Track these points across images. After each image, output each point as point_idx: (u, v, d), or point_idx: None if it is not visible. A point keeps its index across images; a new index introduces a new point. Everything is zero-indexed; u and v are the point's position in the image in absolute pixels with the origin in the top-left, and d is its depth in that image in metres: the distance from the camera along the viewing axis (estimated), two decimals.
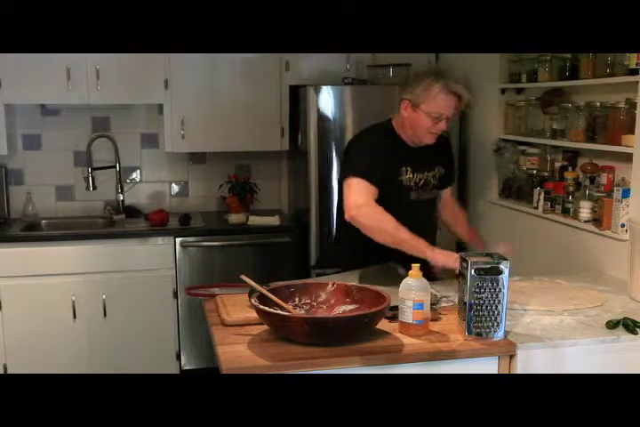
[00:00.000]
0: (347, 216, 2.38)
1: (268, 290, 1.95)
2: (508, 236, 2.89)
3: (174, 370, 3.75)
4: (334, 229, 2.91)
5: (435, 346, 1.87)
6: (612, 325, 2.00)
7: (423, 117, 2.40)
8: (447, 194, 2.76)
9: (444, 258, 2.24)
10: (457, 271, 2.02)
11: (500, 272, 1.86)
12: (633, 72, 2.41)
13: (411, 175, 2.50)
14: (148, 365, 3.62)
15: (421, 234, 2.32)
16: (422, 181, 2.54)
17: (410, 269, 1.94)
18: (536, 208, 3.00)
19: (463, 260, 1.91)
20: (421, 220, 2.53)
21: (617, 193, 2.50)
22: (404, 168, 2.48)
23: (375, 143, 2.50)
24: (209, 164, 4.21)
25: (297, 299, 2.04)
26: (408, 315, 1.91)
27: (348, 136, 3.60)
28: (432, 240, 2.51)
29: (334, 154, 3.61)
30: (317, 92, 3.54)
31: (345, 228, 2.49)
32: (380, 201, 2.37)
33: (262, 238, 3.75)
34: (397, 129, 2.52)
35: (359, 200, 2.36)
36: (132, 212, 4.00)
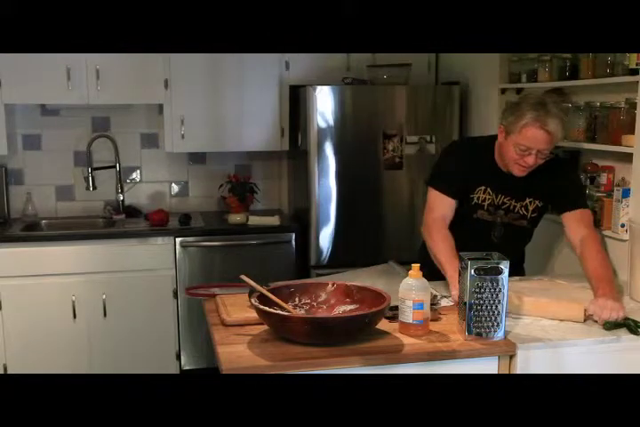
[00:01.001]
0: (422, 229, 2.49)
1: (268, 290, 1.96)
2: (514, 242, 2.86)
3: (174, 370, 3.75)
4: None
5: (435, 346, 1.87)
6: (609, 326, 1.99)
7: (511, 147, 2.29)
8: (572, 222, 2.40)
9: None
10: None
11: (500, 272, 1.86)
12: (633, 72, 2.41)
13: (488, 195, 2.45)
14: (147, 365, 3.62)
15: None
16: (505, 206, 2.46)
17: (410, 269, 1.94)
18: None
19: (462, 260, 1.91)
20: (483, 240, 2.46)
21: (617, 193, 2.50)
22: (482, 187, 2.44)
23: (463, 155, 2.50)
24: (209, 164, 4.21)
25: (297, 299, 2.04)
26: (408, 315, 1.91)
27: (348, 136, 3.62)
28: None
29: (334, 154, 3.61)
30: (317, 92, 3.54)
31: None
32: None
33: (262, 238, 3.74)
34: (495, 149, 2.44)
35: (429, 218, 2.43)
36: (132, 212, 4.00)
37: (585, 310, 2.06)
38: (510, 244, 2.49)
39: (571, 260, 2.74)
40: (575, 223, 2.40)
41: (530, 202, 2.47)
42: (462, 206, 2.46)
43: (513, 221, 2.50)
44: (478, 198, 2.46)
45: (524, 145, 2.26)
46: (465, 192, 2.45)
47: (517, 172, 2.35)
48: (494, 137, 2.44)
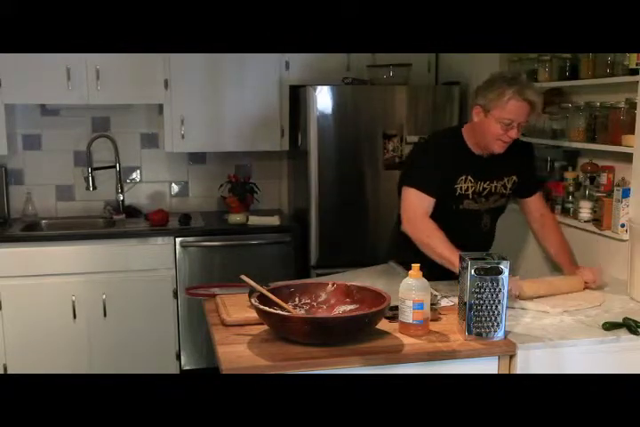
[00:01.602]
0: (402, 227, 2.47)
1: (268, 290, 1.96)
2: (507, 235, 2.88)
3: (174, 370, 3.75)
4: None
5: (435, 346, 1.87)
6: (607, 326, 1.99)
7: (493, 124, 2.36)
8: (534, 203, 2.68)
9: None
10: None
11: (500, 272, 1.86)
12: (633, 72, 2.41)
13: (470, 184, 2.48)
14: (147, 365, 3.62)
15: (473, 244, 2.31)
16: (486, 191, 2.52)
17: (410, 268, 1.94)
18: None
19: (463, 260, 1.91)
20: (474, 229, 2.54)
21: (617, 193, 2.49)
22: (463, 177, 2.47)
23: (437, 150, 2.51)
24: (209, 164, 4.21)
25: (297, 299, 2.04)
26: (408, 315, 1.91)
27: (348, 136, 3.62)
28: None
29: (334, 154, 3.61)
30: (317, 92, 3.54)
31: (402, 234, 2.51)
32: (435, 207, 2.43)
33: (262, 238, 3.75)
34: (466, 135, 2.49)
35: (414, 213, 2.42)
36: (132, 212, 4.00)
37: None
38: (493, 226, 2.66)
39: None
40: (538, 202, 2.69)
41: (507, 180, 2.57)
42: (447, 200, 2.47)
43: (494, 203, 2.58)
44: (461, 189, 2.48)
45: (508, 119, 2.34)
46: (447, 186, 2.46)
47: (498, 148, 2.42)
48: (455, 127, 2.59)
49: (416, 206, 2.43)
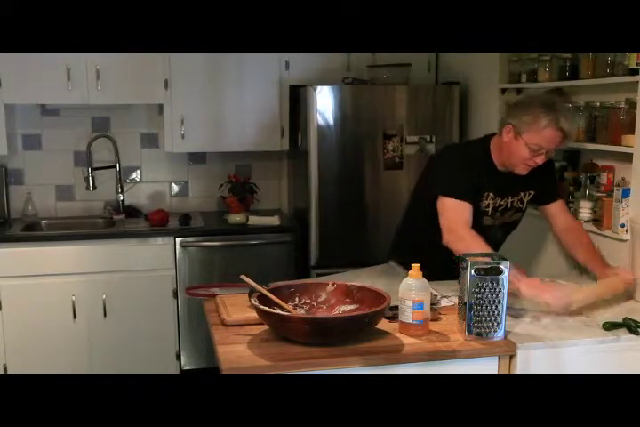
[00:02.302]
0: (444, 240, 2.35)
1: (268, 290, 1.96)
2: (523, 238, 2.87)
3: (174, 370, 3.75)
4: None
5: (435, 346, 1.87)
6: (608, 326, 1.99)
7: (522, 147, 2.31)
8: (556, 209, 2.60)
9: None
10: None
11: (500, 272, 1.86)
12: (633, 72, 2.41)
13: (491, 201, 2.45)
14: (147, 365, 3.62)
15: None
16: (503, 207, 2.49)
17: (410, 269, 1.94)
18: (536, 208, 3.00)
19: (463, 260, 1.91)
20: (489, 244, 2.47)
21: (617, 193, 2.49)
22: (485, 193, 2.43)
23: (466, 163, 2.44)
24: (209, 164, 4.21)
25: (297, 299, 2.04)
26: (408, 315, 1.91)
27: (348, 136, 3.62)
28: None
29: (334, 154, 3.61)
30: (317, 92, 3.54)
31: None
32: None
33: (262, 238, 3.74)
34: (493, 149, 2.44)
35: (453, 224, 2.34)
36: (132, 212, 3.99)
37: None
38: (503, 239, 2.62)
39: (571, 260, 2.74)
40: (561, 212, 2.59)
41: (524, 194, 2.53)
42: (474, 213, 2.41)
43: (509, 218, 2.55)
44: (485, 206, 2.45)
45: (538, 145, 2.29)
46: (474, 199, 2.41)
47: (521, 171, 2.39)
48: (483, 139, 2.51)
49: (455, 216, 2.35)
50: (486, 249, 2.20)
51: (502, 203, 2.49)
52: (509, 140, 2.36)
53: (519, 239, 2.76)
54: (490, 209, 2.47)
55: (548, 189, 2.59)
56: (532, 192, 2.54)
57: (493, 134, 2.50)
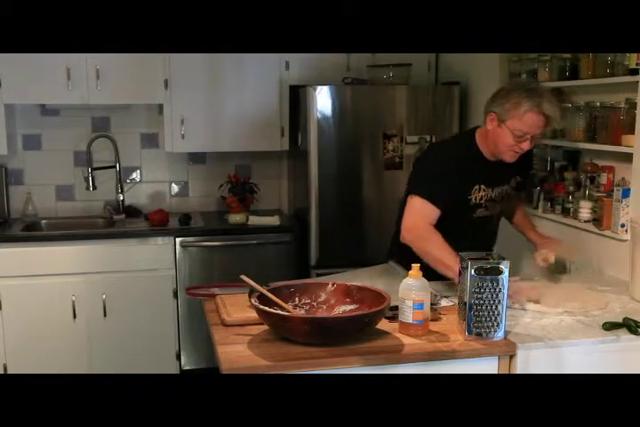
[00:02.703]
0: (401, 237, 2.37)
1: (268, 290, 1.95)
2: (507, 236, 2.88)
3: (174, 370, 3.75)
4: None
5: (435, 346, 1.87)
6: (608, 327, 1.99)
7: (507, 134, 2.32)
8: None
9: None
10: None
11: (500, 272, 1.86)
12: (633, 72, 2.41)
13: (484, 193, 2.44)
14: (147, 365, 3.62)
15: (479, 245, 2.31)
16: (497, 196, 2.50)
17: (410, 269, 1.94)
18: (536, 208, 3.01)
19: (463, 260, 1.91)
20: (483, 236, 2.54)
21: (617, 193, 2.50)
22: (476, 186, 2.42)
23: (449, 162, 2.41)
24: (209, 164, 4.21)
25: (297, 299, 2.04)
26: (408, 315, 1.91)
27: (348, 136, 3.62)
28: None
29: (334, 154, 3.61)
30: (317, 92, 3.54)
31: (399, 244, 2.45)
32: (443, 218, 2.35)
33: (262, 238, 3.75)
34: (480, 140, 2.45)
35: (416, 222, 2.34)
36: (132, 212, 4.00)
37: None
38: (498, 225, 2.67)
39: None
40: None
41: (513, 181, 2.56)
42: (460, 211, 2.42)
43: (505, 205, 2.57)
44: (476, 198, 2.44)
45: (522, 131, 2.29)
46: (461, 197, 2.41)
47: (509, 158, 2.39)
48: (470, 131, 2.52)
49: (420, 216, 2.34)
50: (446, 249, 2.21)
51: (498, 191, 2.50)
52: (494, 129, 2.36)
53: (509, 235, 2.78)
54: (484, 201, 2.46)
55: (525, 180, 2.64)
56: (518, 177, 2.57)
57: (479, 126, 2.51)
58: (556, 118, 2.31)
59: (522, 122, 2.28)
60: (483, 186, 2.44)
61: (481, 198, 2.45)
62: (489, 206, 2.49)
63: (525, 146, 2.33)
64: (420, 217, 2.35)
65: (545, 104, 2.26)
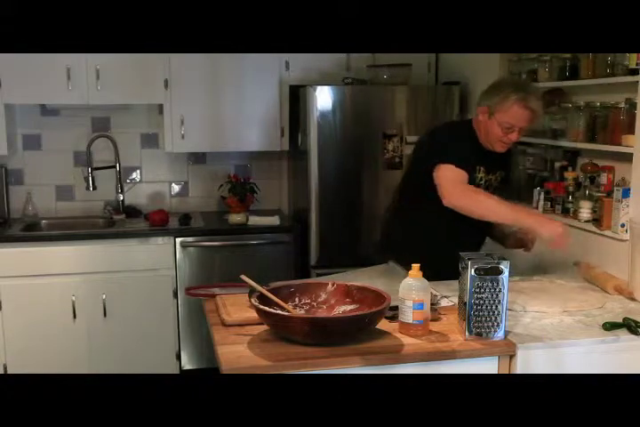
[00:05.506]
0: (445, 202, 2.40)
1: (268, 290, 1.96)
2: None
3: (174, 370, 3.75)
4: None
5: (435, 346, 1.87)
6: (608, 327, 1.99)
7: (495, 126, 2.46)
8: None
9: (549, 227, 2.28)
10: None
11: (500, 272, 1.86)
12: (633, 72, 2.41)
13: (483, 175, 2.55)
14: (147, 365, 3.62)
15: (481, 231, 2.57)
16: (488, 183, 2.59)
17: (410, 269, 1.94)
18: (536, 208, 3.00)
19: (463, 260, 1.91)
20: (479, 224, 2.54)
21: (617, 193, 2.49)
22: (478, 167, 2.54)
23: (462, 134, 2.57)
24: (209, 164, 4.21)
25: (297, 299, 2.04)
26: (408, 315, 1.91)
27: (348, 136, 3.61)
28: (483, 239, 2.72)
29: (334, 154, 3.61)
30: (317, 92, 3.54)
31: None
32: None
33: (262, 238, 3.75)
34: (475, 130, 2.57)
35: (459, 187, 2.41)
36: (131, 212, 3.99)
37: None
38: None
39: (570, 260, 2.74)
40: None
41: (499, 174, 2.64)
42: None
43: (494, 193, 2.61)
44: (479, 179, 2.54)
45: (508, 123, 2.44)
46: (470, 171, 2.49)
47: (499, 148, 2.53)
48: (467, 121, 2.67)
49: (460, 181, 2.42)
50: (502, 202, 2.33)
51: (488, 178, 2.59)
52: (484, 120, 2.50)
53: None
54: (483, 184, 2.56)
55: (507, 176, 2.70)
56: (503, 173, 2.65)
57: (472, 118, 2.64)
58: (539, 112, 2.49)
59: (508, 114, 2.43)
60: (482, 168, 2.55)
61: (480, 180, 2.55)
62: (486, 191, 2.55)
63: (513, 137, 2.47)
64: (458, 182, 2.43)
65: (530, 98, 2.42)
